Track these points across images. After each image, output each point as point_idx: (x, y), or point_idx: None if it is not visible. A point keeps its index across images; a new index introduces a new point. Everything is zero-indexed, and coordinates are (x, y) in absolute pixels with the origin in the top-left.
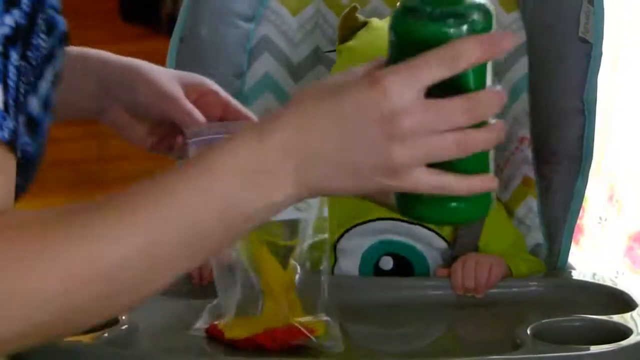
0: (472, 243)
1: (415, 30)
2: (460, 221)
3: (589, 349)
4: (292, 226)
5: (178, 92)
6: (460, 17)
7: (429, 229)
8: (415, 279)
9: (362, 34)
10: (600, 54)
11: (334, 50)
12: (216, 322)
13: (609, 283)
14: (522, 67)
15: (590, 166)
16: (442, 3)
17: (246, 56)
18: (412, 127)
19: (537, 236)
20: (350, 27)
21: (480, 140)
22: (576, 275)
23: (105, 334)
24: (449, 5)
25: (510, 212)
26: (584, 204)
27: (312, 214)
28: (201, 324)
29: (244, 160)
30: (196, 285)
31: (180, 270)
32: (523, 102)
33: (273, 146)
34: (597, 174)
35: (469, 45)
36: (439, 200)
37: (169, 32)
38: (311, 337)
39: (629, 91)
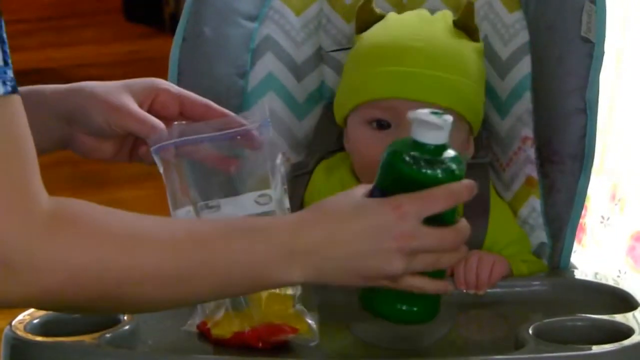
0: (478, 240)
1: (411, 173)
2: (410, 321)
3: (591, 349)
4: None
5: (128, 103)
6: (446, 167)
7: None
8: None
9: (378, 26)
10: (603, 54)
11: (338, 50)
12: (205, 320)
13: (611, 282)
14: (525, 66)
15: (592, 165)
16: (431, 155)
17: (249, 56)
18: (418, 246)
19: (540, 235)
20: (365, 20)
21: (451, 259)
22: (578, 274)
23: (107, 334)
24: (435, 156)
25: (513, 212)
26: (586, 203)
27: (273, 206)
28: (193, 321)
29: (285, 241)
30: None
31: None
32: (526, 102)
33: (303, 244)
34: (599, 173)
35: (461, 187)
36: (397, 303)
37: (171, 32)
38: (294, 333)
39: (631, 90)
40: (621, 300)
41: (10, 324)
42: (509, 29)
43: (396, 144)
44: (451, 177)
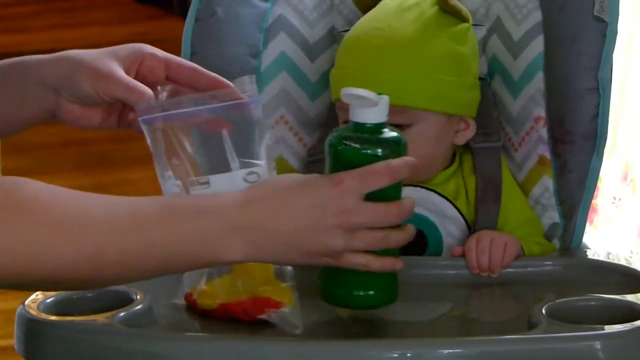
0: (491, 226)
1: (351, 153)
2: (367, 306)
3: (603, 329)
4: None
5: (115, 70)
6: (385, 145)
7: (443, 197)
8: (430, 259)
9: (367, 14)
10: (616, 33)
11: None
12: (190, 291)
13: (623, 262)
14: (537, 46)
15: (605, 145)
16: (370, 134)
17: (262, 35)
18: (359, 222)
19: (553, 215)
20: (365, 4)
21: (398, 238)
22: (591, 254)
23: (120, 314)
24: (374, 135)
25: (526, 192)
26: (598, 183)
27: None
28: (181, 292)
29: (228, 217)
30: None
31: (126, 278)
32: (538, 82)
33: (245, 219)
34: (611, 153)
35: (402, 163)
36: (353, 289)
37: (180, 13)
38: (281, 308)
39: None
40: (633, 280)
41: (23, 303)
42: (521, 8)
43: (338, 130)
44: (392, 155)
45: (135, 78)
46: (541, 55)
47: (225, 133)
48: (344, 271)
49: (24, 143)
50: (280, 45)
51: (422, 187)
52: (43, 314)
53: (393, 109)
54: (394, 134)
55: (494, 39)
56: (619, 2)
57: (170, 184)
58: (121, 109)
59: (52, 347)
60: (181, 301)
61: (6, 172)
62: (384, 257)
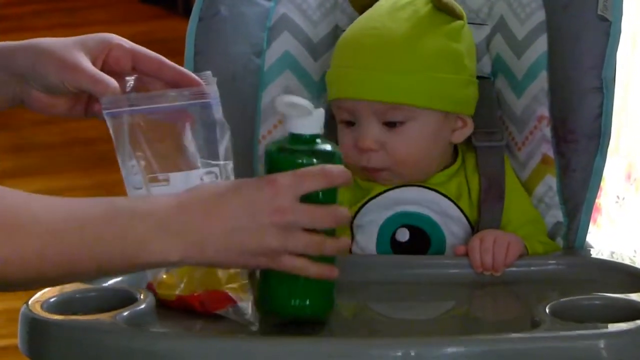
0: (495, 226)
1: (287, 163)
2: (303, 316)
3: (607, 328)
4: None
5: (81, 61)
6: (320, 155)
7: (445, 196)
8: (433, 258)
9: (363, 15)
10: (619, 32)
11: None
12: (151, 281)
13: (627, 261)
14: (541, 45)
15: (608, 144)
16: (306, 145)
17: (265, 34)
18: (292, 221)
19: (556, 214)
20: (362, 4)
21: (332, 246)
22: (594, 253)
23: (124, 313)
24: (310, 146)
25: (529, 191)
26: (601, 183)
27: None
28: (143, 281)
29: (163, 219)
30: None
31: (70, 278)
32: (542, 81)
33: (180, 222)
34: (615, 152)
35: (336, 169)
36: (290, 298)
37: (184, 13)
38: (238, 303)
39: None
40: (637, 279)
41: (26, 303)
42: (525, 8)
43: (274, 140)
44: (327, 163)
45: (102, 68)
46: (545, 54)
47: (187, 128)
48: (281, 280)
49: (27, 143)
50: (284, 44)
51: (424, 187)
52: (47, 313)
53: (388, 106)
54: (329, 146)
55: (498, 38)
56: (622, 1)
57: (134, 173)
58: (88, 99)
59: (56, 346)
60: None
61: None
62: (320, 263)
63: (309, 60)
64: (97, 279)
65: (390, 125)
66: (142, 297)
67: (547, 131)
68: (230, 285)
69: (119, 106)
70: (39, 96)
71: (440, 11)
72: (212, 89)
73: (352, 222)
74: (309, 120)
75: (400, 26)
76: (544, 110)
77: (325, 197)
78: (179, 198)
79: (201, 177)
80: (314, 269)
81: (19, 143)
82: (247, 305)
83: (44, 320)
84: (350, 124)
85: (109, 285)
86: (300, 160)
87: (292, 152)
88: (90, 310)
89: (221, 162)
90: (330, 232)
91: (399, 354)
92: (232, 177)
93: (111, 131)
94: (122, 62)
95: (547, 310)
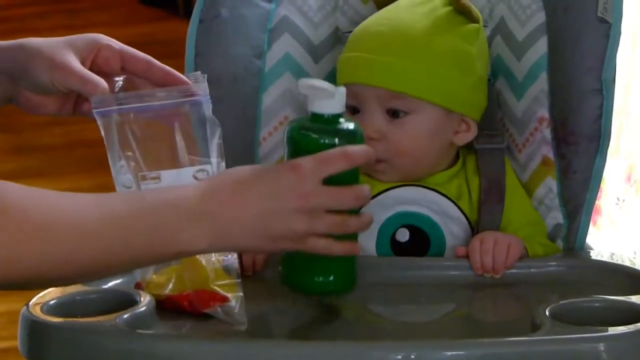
0: (494, 227)
1: (309, 143)
2: (327, 291)
3: (607, 330)
4: None
5: (71, 60)
6: (342, 134)
7: (445, 196)
8: (433, 259)
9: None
10: (619, 34)
11: None
12: (139, 281)
13: (627, 263)
14: (541, 47)
15: (608, 146)
16: (327, 125)
17: (266, 36)
18: (317, 204)
19: (557, 216)
20: (382, 1)
21: (355, 224)
22: (594, 255)
23: (125, 315)
24: (331, 126)
25: (529, 193)
26: (601, 184)
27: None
28: (131, 280)
29: (192, 206)
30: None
31: (103, 274)
32: (542, 82)
33: (208, 208)
34: (615, 154)
35: (358, 149)
36: (314, 275)
37: (185, 15)
38: (227, 302)
39: None
40: (637, 281)
41: (27, 305)
42: (525, 10)
43: (296, 120)
44: (348, 144)
45: (91, 68)
46: (545, 56)
47: (177, 127)
48: (305, 257)
49: (29, 144)
50: (285, 46)
51: (424, 187)
52: (47, 316)
53: (392, 94)
54: (351, 124)
55: (498, 39)
56: (622, 3)
57: (124, 173)
58: (76, 98)
59: (56, 348)
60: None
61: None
62: (343, 241)
63: (310, 62)
64: (128, 272)
65: (393, 115)
66: (142, 299)
67: (548, 133)
68: (218, 283)
69: (108, 105)
70: (28, 95)
71: (457, 13)
72: (202, 87)
73: None
74: (331, 101)
75: (414, 19)
76: (544, 112)
77: (347, 177)
78: (204, 186)
79: (193, 175)
80: (338, 247)
81: (21, 145)
82: (235, 304)
83: (44, 322)
84: (354, 111)
85: (109, 287)
86: (323, 140)
87: (314, 131)
88: (90, 313)
89: (214, 160)
90: (354, 210)
91: (399, 357)
92: None
93: (101, 130)
94: (111, 62)
95: (547, 313)
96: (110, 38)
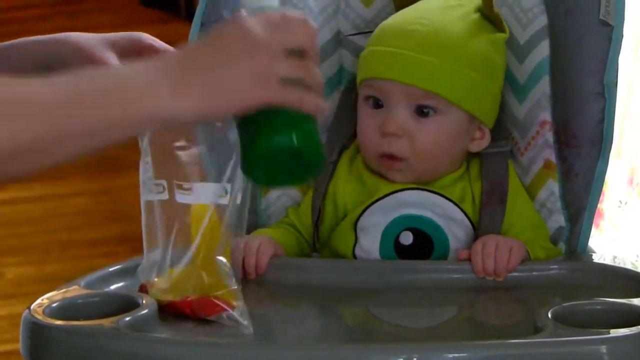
0: (496, 229)
1: None
2: (291, 146)
3: (609, 333)
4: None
5: (108, 57)
6: None
7: (448, 199)
8: (436, 263)
9: (405, 9)
10: (622, 37)
11: (357, 34)
12: (144, 283)
13: (629, 266)
14: (543, 50)
15: (610, 149)
16: None
17: None
18: (263, 38)
19: (559, 219)
20: (402, 3)
21: (314, 100)
22: (597, 258)
23: (126, 318)
24: None
25: (531, 196)
26: (604, 187)
27: (226, 201)
28: (135, 284)
29: (149, 73)
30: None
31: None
32: (544, 86)
33: (163, 69)
34: (617, 157)
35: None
36: (274, 135)
37: (187, 17)
38: (230, 310)
39: None
40: (639, 284)
41: (29, 307)
42: (527, 13)
43: None
44: None
45: None
46: (547, 59)
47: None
48: (260, 123)
49: None
50: None
51: (428, 190)
52: (49, 319)
53: (422, 93)
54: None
55: None
56: (624, 6)
57: (149, 184)
58: None
59: (57, 351)
60: (135, 294)
61: None
62: (315, 96)
63: None
64: (100, 145)
65: (420, 113)
66: (144, 302)
67: (550, 136)
68: (217, 293)
69: None
70: None
71: (487, 21)
72: None
73: (356, 224)
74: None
75: (450, 21)
76: (546, 115)
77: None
78: (179, 53)
79: (219, 192)
80: (311, 101)
81: None
82: (239, 312)
83: (46, 325)
84: (377, 106)
85: (111, 290)
86: None
87: None
88: (92, 316)
89: (235, 181)
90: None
91: (402, 359)
92: (246, 208)
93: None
94: None
95: (550, 315)
96: (153, 37)
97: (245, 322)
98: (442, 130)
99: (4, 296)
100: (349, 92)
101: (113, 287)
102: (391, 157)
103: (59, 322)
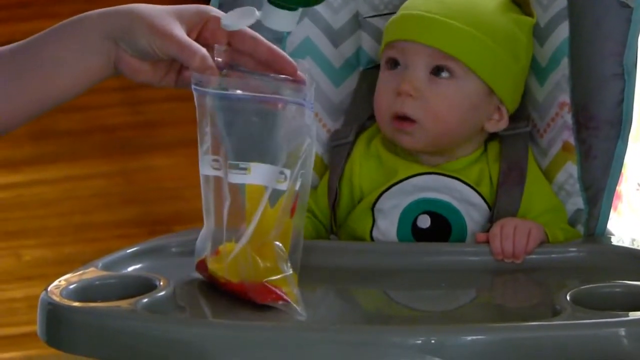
0: (513, 209)
1: None
2: None
3: (627, 315)
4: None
5: (173, 28)
6: None
7: (466, 184)
8: (454, 245)
9: None
10: None
11: (376, 16)
12: (202, 258)
13: None
14: (563, 32)
15: (629, 131)
16: None
17: None
18: None
19: (577, 202)
20: None
21: None
22: (615, 241)
23: (144, 300)
24: None
25: (550, 178)
26: (622, 170)
27: (286, 186)
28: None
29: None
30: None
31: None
32: (564, 68)
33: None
34: (636, 139)
35: None
36: None
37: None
38: (285, 299)
39: None
40: None
41: (46, 289)
42: None
43: None
44: None
45: (197, 40)
46: (566, 40)
47: (275, 123)
48: None
49: (48, 129)
50: (305, 30)
51: (444, 174)
52: (66, 300)
53: (442, 55)
54: None
55: None
56: None
57: (207, 158)
58: (179, 69)
59: (74, 333)
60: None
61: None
62: None
63: (329, 47)
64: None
65: (436, 74)
66: (161, 284)
67: (569, 118)
68: (272, 278)
69: (207, 85)
70: (131, 60)
71: (515, 4)
72: (309, 92)
73: (373, 206)
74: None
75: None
76: (565, 97)
77: None
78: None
79: (277, 174)
80: None
81: (39, 130)
82: (294, 299)
83: (63, 306)
84: (394, 65)
85: (128, 272)
86: None
87: None
88: (109, 297)
89: (297, 166)
90: None
91: (420, 341)
92: (298, 184)
93: (196, 108)
94: (217, 35)
95: (568, 298)
96: (219, 11)
97: (299, 309)
98: (457, 95)
99: (21, 278)
100: (367, 74)
101: (130, 268)
102: (403, 119)
103: (76, 304)
